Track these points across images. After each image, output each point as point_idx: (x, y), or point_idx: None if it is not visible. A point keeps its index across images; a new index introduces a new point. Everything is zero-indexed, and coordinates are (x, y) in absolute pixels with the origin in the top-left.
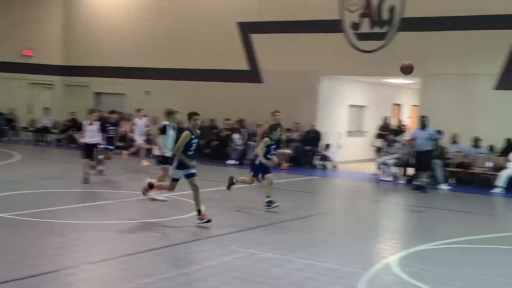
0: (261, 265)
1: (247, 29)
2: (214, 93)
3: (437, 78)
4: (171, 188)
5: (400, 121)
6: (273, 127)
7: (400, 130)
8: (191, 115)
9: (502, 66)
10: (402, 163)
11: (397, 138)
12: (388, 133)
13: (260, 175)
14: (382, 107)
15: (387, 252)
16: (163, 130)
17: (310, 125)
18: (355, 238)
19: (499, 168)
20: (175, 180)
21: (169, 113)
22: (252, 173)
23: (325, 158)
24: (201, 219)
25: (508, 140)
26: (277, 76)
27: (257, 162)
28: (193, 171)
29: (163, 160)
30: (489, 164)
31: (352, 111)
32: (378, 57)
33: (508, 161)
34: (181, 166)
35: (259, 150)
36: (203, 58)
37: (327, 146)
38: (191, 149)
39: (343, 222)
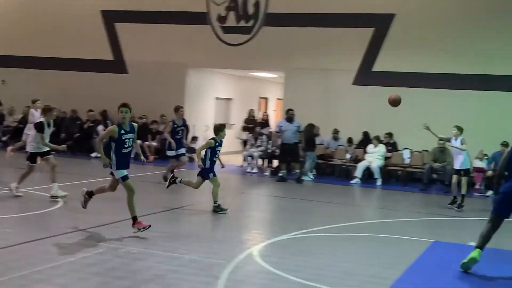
0: (123, 260)
1: (112, 18)
2: (77, 83)
3: (300, 72)
4: (131, 190)
5: (265, 114)
6: (220, 128)
7: (265, 123)
8: (118, 107)
9: (360, 63)
10: (268, 156)
11: (263, 130)
12: (254, 125)
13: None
14: (249, 100)
15: (251, 243)
16: (40, 128)
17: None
18: (220, 229)
19: (357, 159)
20: (126, 178)
21: (47, 110)
22: (211, 174)
23: (192, 150)
24: (139, 228)
25: (365, 133)
26: (143, 67)
27: (207, 165)
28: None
29: (32, 157)
30: (348, 155)
31: (219, 103)
32: (245, 50)
33: (366, 153)
34: (122, 165)
35: (198, 148)
36: (65, 46)
37: (194, 138)
38: (125, 146)
39: (208, 214)
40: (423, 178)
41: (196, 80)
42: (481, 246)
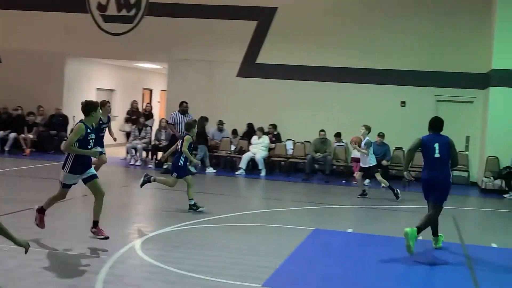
0: None
1: None
2: None
3: (184, 63)
4: (61, 196)
5: (148, 105)
6: (192, 124)
7: (149, 114)
8: (103, 104)
9: (244, 55)
10: (152, 148)
11: (147, 122)
12: (137, 117)
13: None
14: (132, 91)
15: (133, 236)
16: None
17: (56, 109)
18: (101, 224)
19: (242, 151)
20: (67, 186)
21: None
22: (175, 174)
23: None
24: (96, 233)
25: (249, 124)
26: (18, 56)
27: (181, 163)
28: (92, 171)
29: None
30: (233, 147)
31: (101, 94)
32: (126, 40)
33: (250, 144)
34: (76, 169)
35: (185, 149)
36: None
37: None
38: (88, 147)
39: (89, 209)
40: (305, 168)
41: (75, 70)
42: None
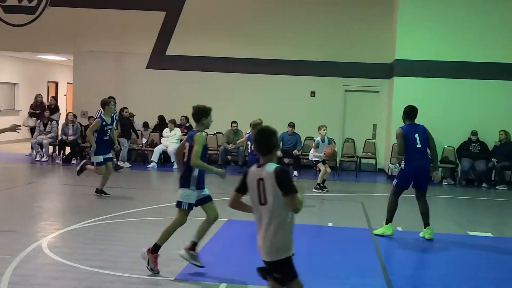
0: None
1: None
2: None
3: (91, 55)
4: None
5: (52, 99)
6: (259, 123)
7: (55, 108)
8: (207, 111)
9: (153, 46)
10: (59, 143)
11: (53, 116)
12: (41, 111)
13: None
14: (37, 85)
15: (40, 235)
16: None
17: None
18: (5, 223)
19: (153, 143)
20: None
21: None
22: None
23: None
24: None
25: (161, 117)
26: None
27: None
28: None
29: None
30: (144, 140)
31: (2, 88)
32: (29, 31)
33: (162, 136)
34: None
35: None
36: None
37: None
38: (206, 156)
39: None
40: (218, 160)
41: None
42: (391, 219)
